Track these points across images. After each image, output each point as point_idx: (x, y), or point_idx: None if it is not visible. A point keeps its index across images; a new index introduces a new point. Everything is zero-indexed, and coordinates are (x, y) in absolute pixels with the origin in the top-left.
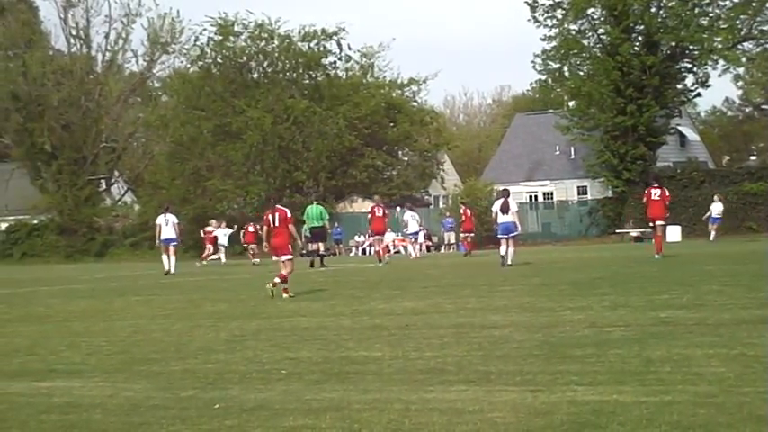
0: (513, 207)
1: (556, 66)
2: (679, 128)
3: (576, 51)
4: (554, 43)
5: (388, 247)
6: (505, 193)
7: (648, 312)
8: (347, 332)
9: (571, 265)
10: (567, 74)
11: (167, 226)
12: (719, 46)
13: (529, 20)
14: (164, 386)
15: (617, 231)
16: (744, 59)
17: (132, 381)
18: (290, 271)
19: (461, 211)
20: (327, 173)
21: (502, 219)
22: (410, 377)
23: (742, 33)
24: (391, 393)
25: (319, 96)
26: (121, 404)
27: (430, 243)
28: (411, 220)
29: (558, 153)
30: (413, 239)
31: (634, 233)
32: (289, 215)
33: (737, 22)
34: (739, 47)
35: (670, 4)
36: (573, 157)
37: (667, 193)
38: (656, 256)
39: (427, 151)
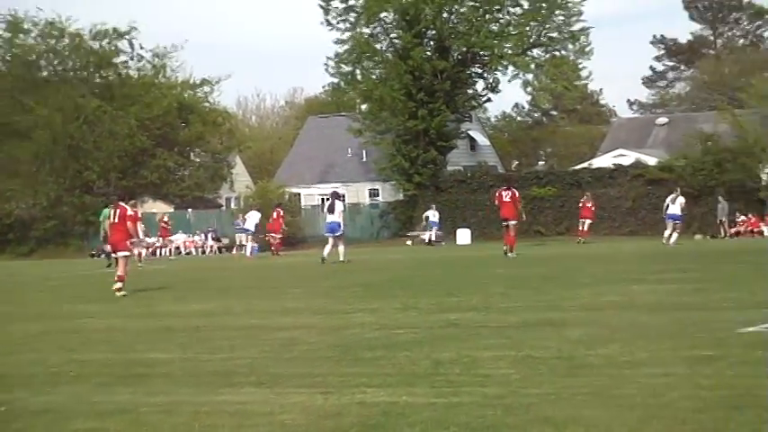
0: (339, 208)
1: (348, 69)
2: (469, 132)
3: (368, 55)
4: (347, 46)
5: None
6: (334, 195)
7: (438, 315)
8: (137, 334)
9: (362, 268)
10: (359, 77)
11: None
12: (509, 52)
13: (322, 23)
14: None
15: (408, 234)
16: (533, 66)
17: None
18: (123, 269)
19: (275, 214)
20: (118, 173)
21: (328, 218)
22: (200, 379)
23: (531, 40)
24: (181, 396)
25: (110, 96)
26: None
27: (221, 244)
28: (249, 219)
29: (350, 156)
30: (251, 236)
31: (425, 236)
32: (129, 212)
33: (527, 28)
34: (529, 53)
35: (461, 10)
36: (365, 159)
37: (518, 195)
38: (510, 254)
39: (219, 152)
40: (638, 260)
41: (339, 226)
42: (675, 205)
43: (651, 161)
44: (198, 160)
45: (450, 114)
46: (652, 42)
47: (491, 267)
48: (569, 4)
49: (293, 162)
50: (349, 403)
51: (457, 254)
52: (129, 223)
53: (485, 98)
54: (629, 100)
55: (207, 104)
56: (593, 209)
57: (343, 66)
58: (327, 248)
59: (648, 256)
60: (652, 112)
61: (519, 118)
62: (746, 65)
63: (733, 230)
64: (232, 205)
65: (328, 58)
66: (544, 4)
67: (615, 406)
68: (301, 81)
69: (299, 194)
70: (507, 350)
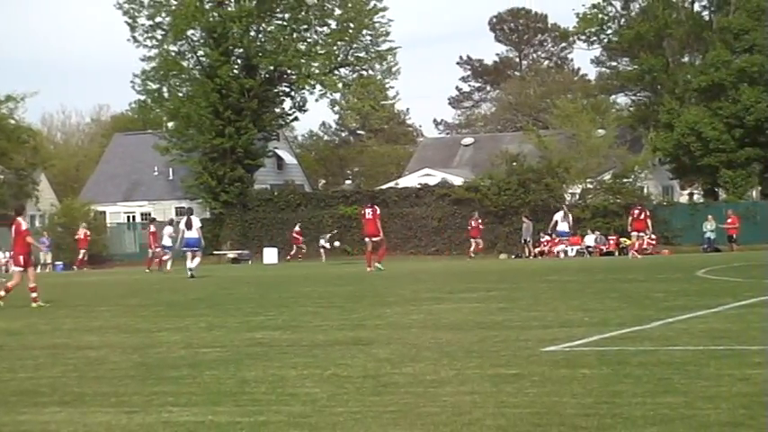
0: (197, 224)
1: (155, 86)
2: (277, 151)
3: (175, 72)
4: (154, 64)
5: None
6: (189, 211)
7: (244, 333)
8: None
9: (168, 286)
10: (166, 95)
11: None
12: (317, 71)
13: (128, 39)
14: None
15: (215, 252)
16: (340, 85)
17: None
18: (15, 283)
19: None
20: None
21: (187, 234)
22: (3, 399)
23: (339, 59)
24: None
25: None
26: None
27: None
28: (164, 234)
29: (156, 174)
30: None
31: (231, 254)
32: (23, 228)
33: (335, 48)
34: (336, 72)
35: (269, 29)
36: (171, 177)
37: (378, 212)
38: (377, 265)
39: (23, 169)
40: (444, 279)
41: (199, 241)
42: (564, 223)
43: (457, 181)
44: (1, 177)
45: (257, 133)
46: (458, 63)
47: (299, 286)
48: (377, 25)
49: (99, 180)
50: (154, 422)
51: (264, 273)
52: (28, 238)
53: (292, 117)
54: (435, 120)
55: (12, 121)
56: (480, 227)
57: (149, 83)
58: (189, 263)
59: (454, 275)
60: (458, 133)
61: (326, 137)
62: (551, 86)
63: (537, 250)
64: (36, 223)
65: (135, 75)
66: (351, 24)
67: (421, 424)
68: (107, 98)
69: (105, 212)
70: (314, 369)
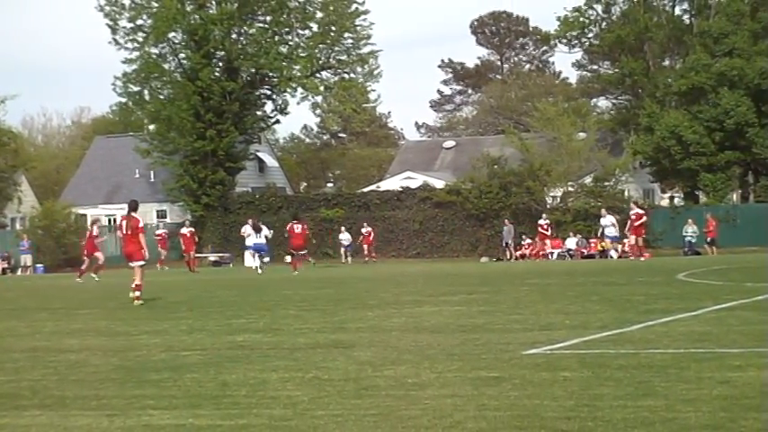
0: (266, 231)
1: (136, 89)
2: (258, 153)
3: (156, 75)
4: (135, 66)
5: None
6: (256, 219)
7: (225, 336)
8: None
9: (148, 289)
10: (147, 97)
11: None
12: (298, 74)
13: (110, 42)
14: None
15: (196, 255)
16: (322, 88)
17: None
18: (142, 276)
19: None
20: None
21: (254, 239)
22: None
23: (320, 62)
24: None
25: None
26: None
27: (7, 265)
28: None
29: (137, 176)
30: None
31: (212, 257)
32: (140, 224)
33: (316, 51)
34: (318, 75)
35: (250, 32)
36: (152, 180)
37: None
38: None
39: (4, 171)
40: (426, 282)
41: (266, 245)
42: (612, 227)
43: (438, 184)
44: None
45: (238, 135)
46: (440, 66)
47: (280, 289)
48: (358, 28)
49: (80, 182)
50: (135, 426)
51: (245, 276)
52: (141, 235)
53: (273, 120)
54: (416, 123)
55: None
56: (548, 231)
57: (130, 85)
58: (257, 261)
59: (435, 277)
60: (439, 136)
61: (308, 140)
62: (532, 89)
63: (518, 253)
64: (17, 226)
65: (116, 77)
66: (333, 27)
67: (402, 427)
68: (88, 100)
69: (86, 215)
70: (295, 372)
